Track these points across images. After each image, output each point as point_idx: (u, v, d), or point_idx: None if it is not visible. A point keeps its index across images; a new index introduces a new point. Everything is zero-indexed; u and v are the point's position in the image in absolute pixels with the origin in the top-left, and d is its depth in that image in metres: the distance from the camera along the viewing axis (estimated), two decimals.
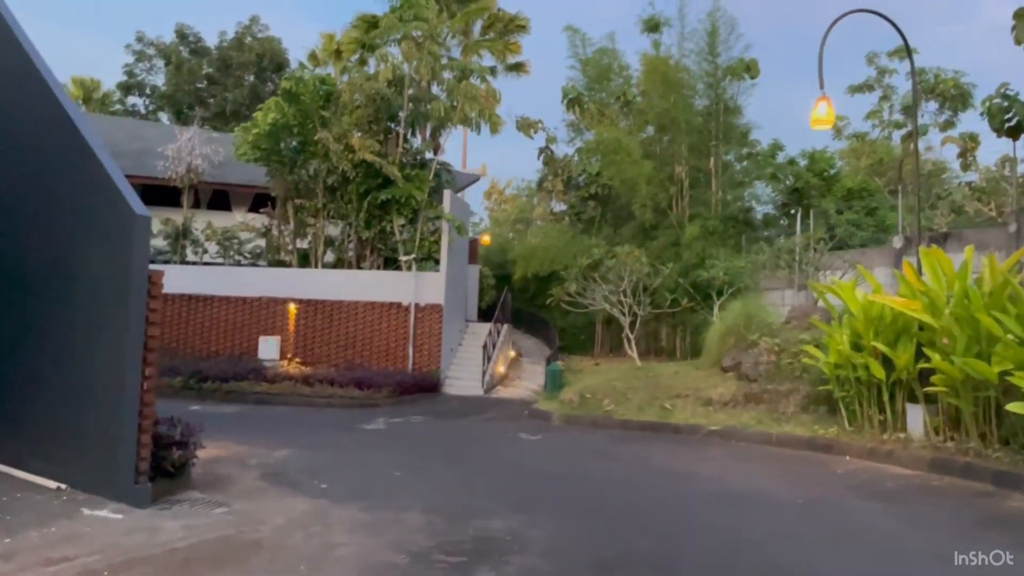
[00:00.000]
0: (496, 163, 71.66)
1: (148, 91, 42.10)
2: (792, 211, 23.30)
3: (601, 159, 27.96)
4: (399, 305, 20.04)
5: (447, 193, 20.63)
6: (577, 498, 8.71)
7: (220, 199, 29.04)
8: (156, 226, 22.48)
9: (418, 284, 19.88)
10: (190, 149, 22.05)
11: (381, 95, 19.79)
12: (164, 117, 40.85)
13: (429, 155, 21.83)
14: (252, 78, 40.14)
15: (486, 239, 34.48)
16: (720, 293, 20.11)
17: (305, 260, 21.99)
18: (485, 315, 24.51)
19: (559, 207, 33.20)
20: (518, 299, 31.13)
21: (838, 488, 9.41)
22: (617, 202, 28.82)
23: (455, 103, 20.51)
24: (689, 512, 8.09)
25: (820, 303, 17.53)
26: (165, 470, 8.04)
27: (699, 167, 25.16)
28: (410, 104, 20.96)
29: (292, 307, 20.41)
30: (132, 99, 42.47)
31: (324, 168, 20.62)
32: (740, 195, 25.92)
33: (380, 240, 21.19)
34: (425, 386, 19.12)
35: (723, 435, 13.28)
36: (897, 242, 18.26)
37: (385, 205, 20.29)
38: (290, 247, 21.86)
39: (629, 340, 19.99)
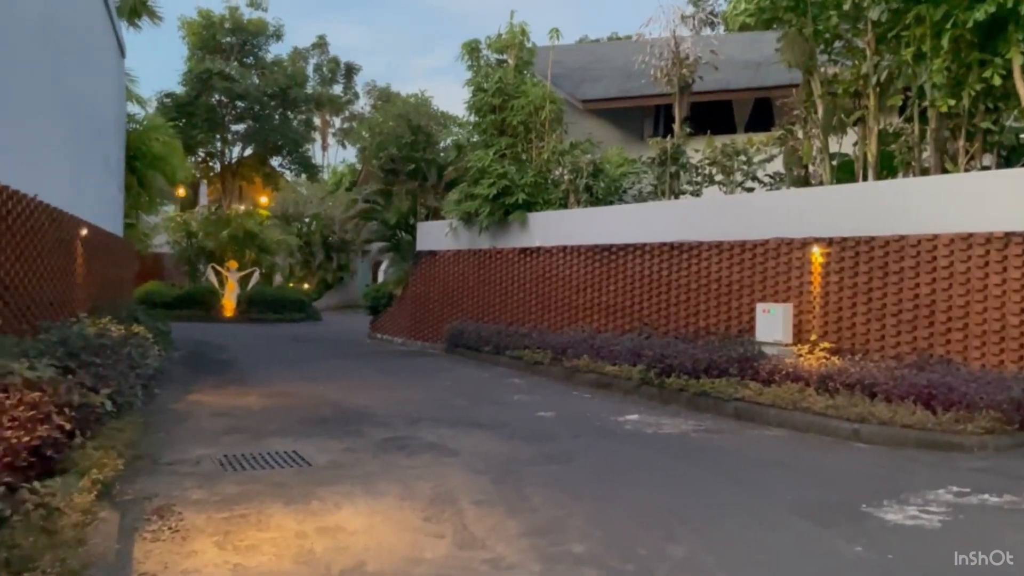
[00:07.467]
0: None
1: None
2: None
3: None
4: (1019, 237, 10.03)
5: None
6: None
7: (761, 115, 22.13)
8: (648, 153, 16.94)
9: None
10: (672, 28, 15.62)
11: None
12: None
13: None
14: None
15: None
16: None
17: (849, 173, 13.42)
18: None
19: None
20: None
21: None
22: None
23: None
24: None
25: None
26: None
27: None
28: None
29: (816, 252, 12.32)
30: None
31: None
32: None
33: (986, 115, 11.30)
34: None
35: None
36: None
37: (990, 34, 10.46)
38: (817, 157, 13.48)
39: None
